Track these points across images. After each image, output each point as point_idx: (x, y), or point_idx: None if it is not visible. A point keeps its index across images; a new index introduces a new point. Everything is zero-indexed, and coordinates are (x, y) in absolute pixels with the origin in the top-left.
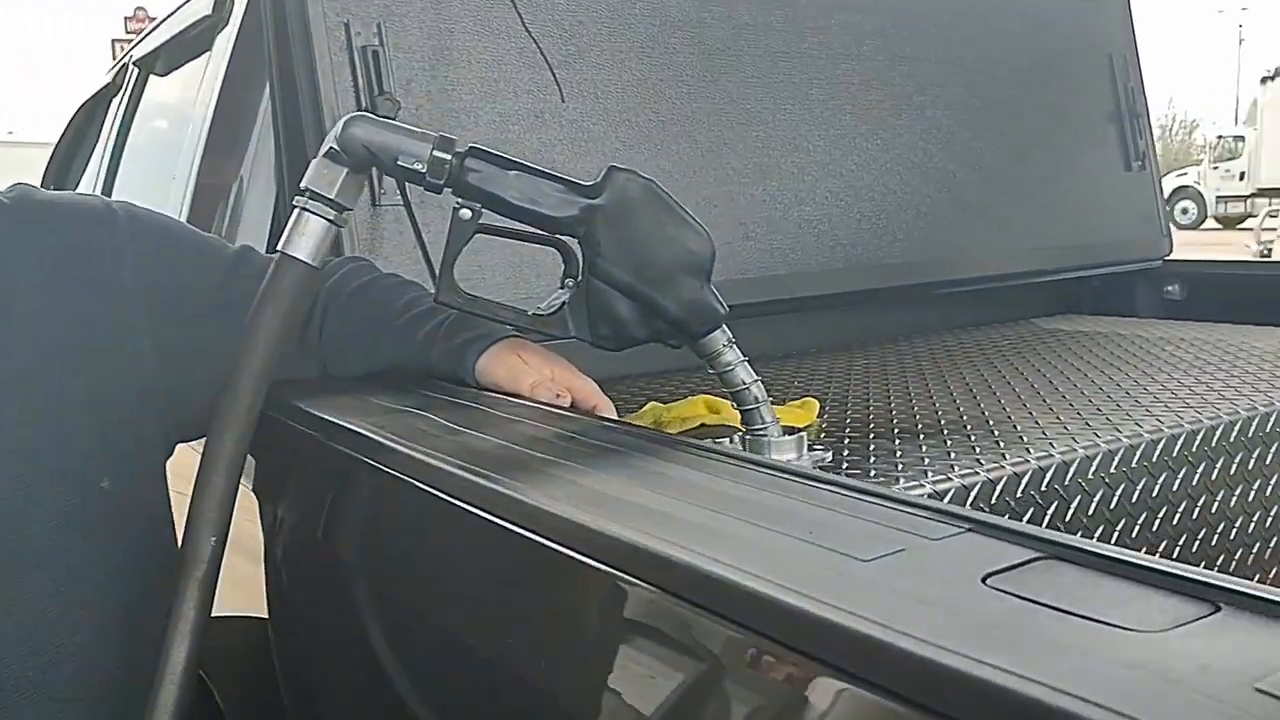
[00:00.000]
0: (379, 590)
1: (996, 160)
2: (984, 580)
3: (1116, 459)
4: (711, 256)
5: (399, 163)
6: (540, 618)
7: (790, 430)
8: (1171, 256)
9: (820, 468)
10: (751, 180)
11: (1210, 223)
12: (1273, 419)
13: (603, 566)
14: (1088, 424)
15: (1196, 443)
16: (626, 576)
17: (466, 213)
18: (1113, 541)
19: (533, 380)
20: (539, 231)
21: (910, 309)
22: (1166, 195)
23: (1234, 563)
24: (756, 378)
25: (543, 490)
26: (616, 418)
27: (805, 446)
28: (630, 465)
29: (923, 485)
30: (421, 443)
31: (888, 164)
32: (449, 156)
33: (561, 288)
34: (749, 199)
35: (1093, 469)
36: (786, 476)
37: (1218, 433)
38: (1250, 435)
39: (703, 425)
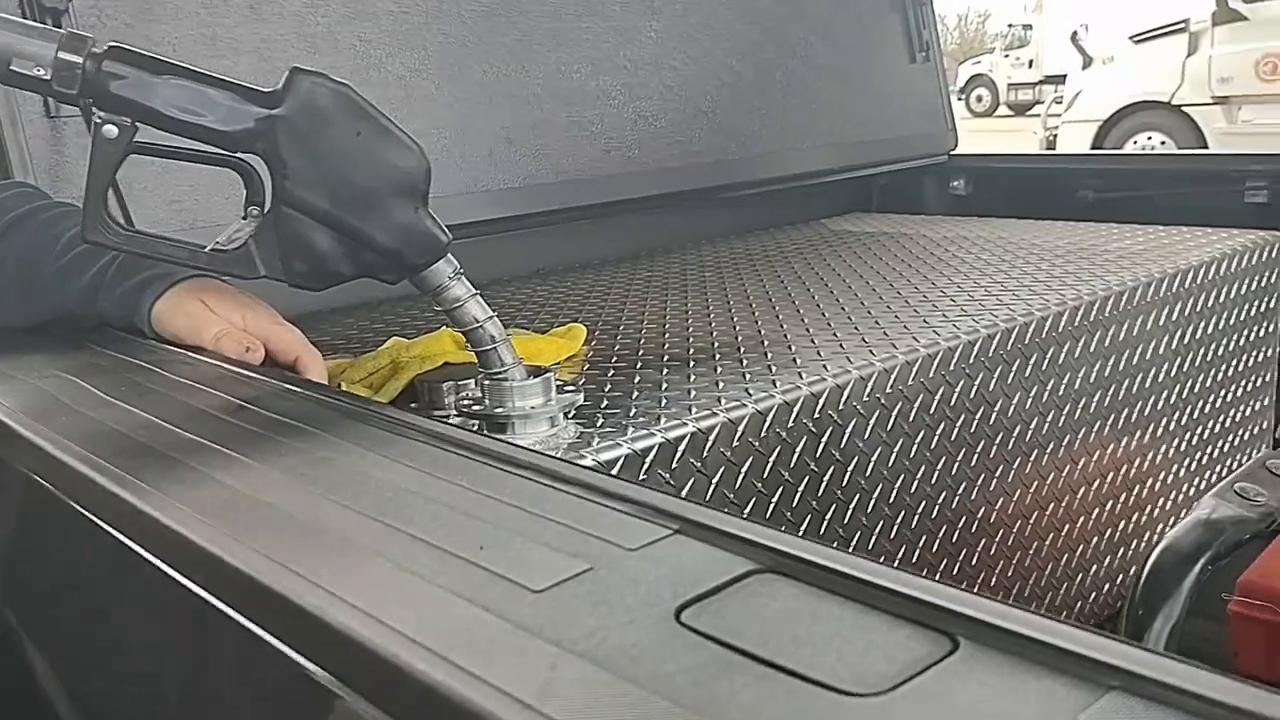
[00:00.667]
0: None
1: (778, 54)
2: (679, 615)
3: (892, 378)
4: (426, 174)
5: (13, 68)
6: (158, 660)
7: (537, 371)
8: (957, 150)
9: (568, 414)
10: (513, 79)
11: (1003, 110)
12: (1063, 319)
13: (211, 600)
14: (864, 340)
15: (974, 354)
16: (243, 620)
17: (112, 129)
18: (890, 464)
19: (217, 331)
20: (213, 150)
21: (694, 215)
22: (962, 84)
23: (1028, 467)
24: (491, 313)
25: (164, 491)
26: (317, 376)
27: (553, 389)
28: (295, 450)
29: (685, 424)
30: (47, 421)
31: (664, 59)
32: (80, 59)
33: (245, 217)
34: (509, 99)
35: (868, 390)
36: (482, 459)
37: (994, 342)
38: (1026, 342)
39: (446, 364)
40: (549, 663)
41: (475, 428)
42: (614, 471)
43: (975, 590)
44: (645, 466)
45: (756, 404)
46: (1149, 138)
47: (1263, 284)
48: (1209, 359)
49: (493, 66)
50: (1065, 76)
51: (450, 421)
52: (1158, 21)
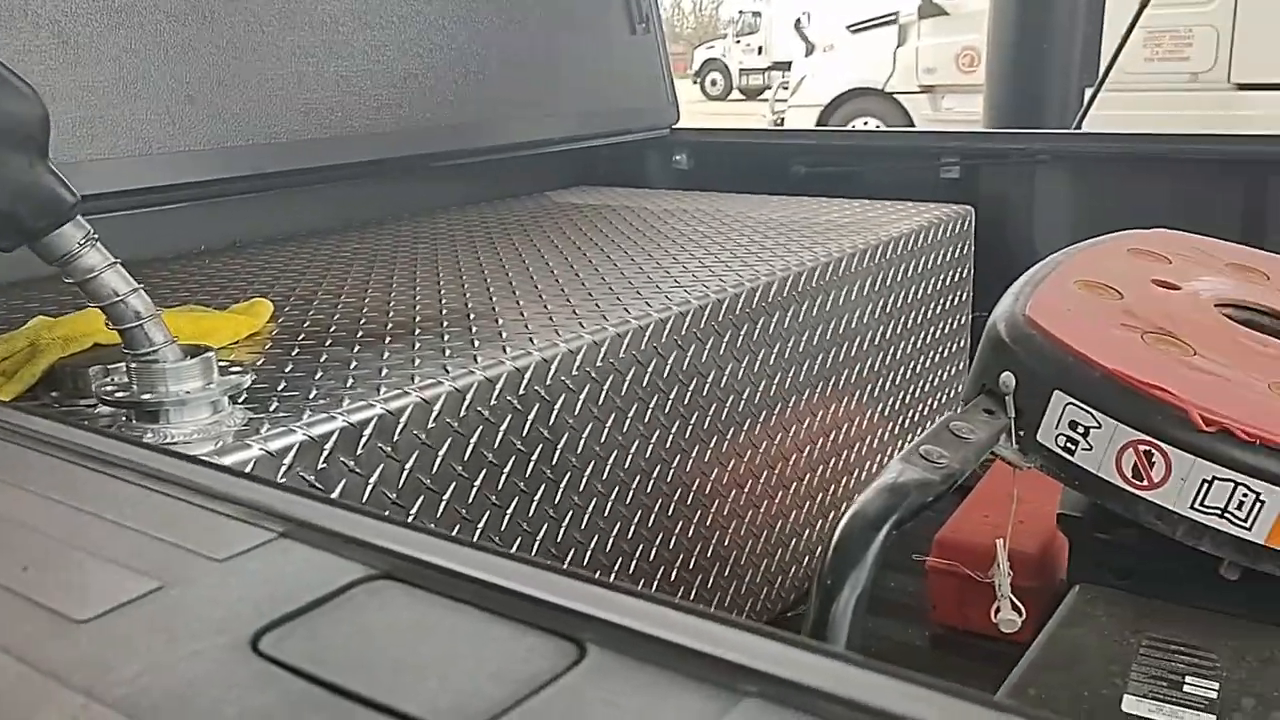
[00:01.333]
0: None
1: (494, 18)
2: (256, 642)
3: (602, 351)
4: (42, 122)
5: None
6: None
7: (195, 350)
8: (679, 125)
9: (235, 398)
10: (195, 31)
11: (736, 94)
12: (771, 289)
13: None
14: (575, 313)
15: (685, 326)
16: None
17: None
18: (603, 440)
19: None
20: None
21: (413, 186)
22: (697, 67)
23: (742, 436)
24: (135, 286)
25: None
26: None
27: (214, 371)
28: None
29: (372, 406)
30: None
31: (368, 16)
32: None
33: None
34: (190, 54)
35: (576, 364)
36: (61, 455)
37: (705, 313)
38: (737, 313)
39: (96, 346)
40: (70, 716)
41: (121, 418)
42: (288, 460)
43: (691, 563)
44: (325, 454)
45: (454, 381)
46: (865, 122)
47: (956, 254)
48: (909, 326)
49: (171, 17)
50: (791, 63)
51: (88, 411)
52: (872, 12)
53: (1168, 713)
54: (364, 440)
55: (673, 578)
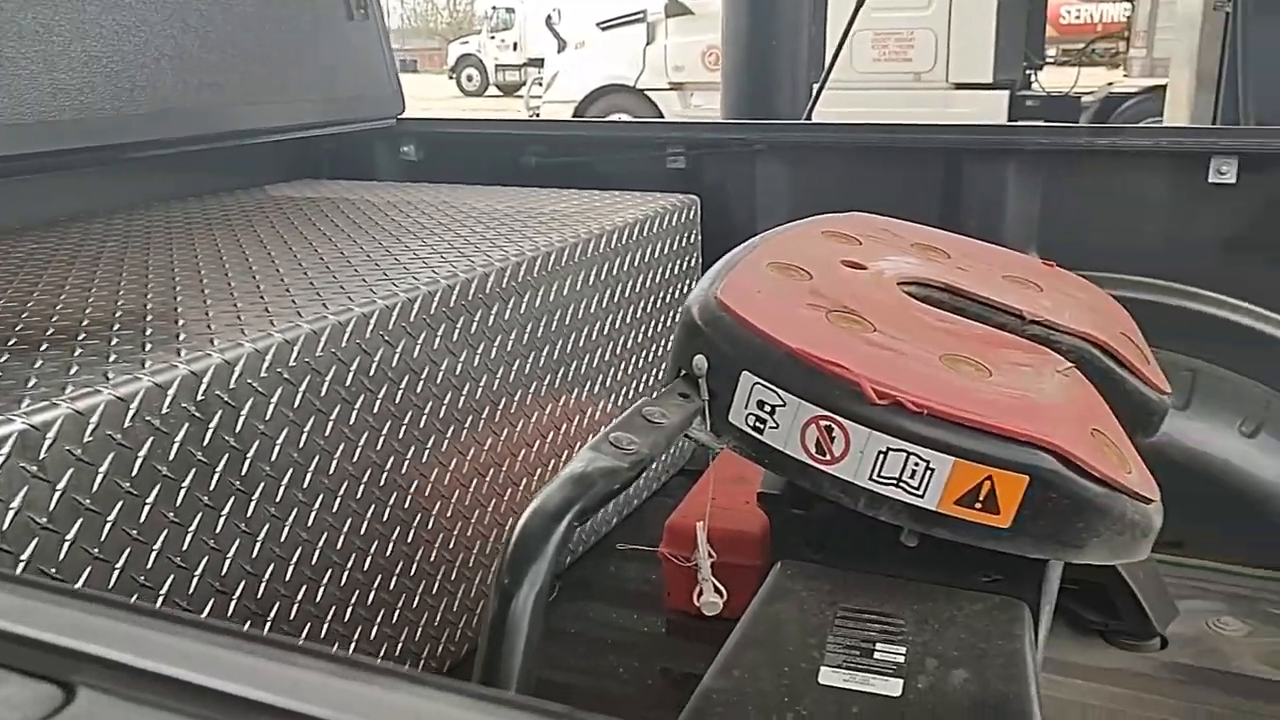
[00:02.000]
0: None
1: (196, 3)
2: None
3: (296, 350)
4: None
5: None
6: None
7: None
8: (405, 115)
9: None
10: None
11: (494, 90)
12: (489, 280)
13: None
14: (267, 310)
15: (393, 320)
16: None
17: None
18: (302, 445)
19: None
20: None
21: (103, 179)
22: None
23: (463, 434)
24: None
25: None
26: None
27: None
28: None
29: (12, 420)
30: None
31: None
32: None
33: None
34: None
35: (265, 365)
36: None
37: (416, 306)
38: (452, 305)
39: None
40: None
41: None
42: None
43: (413, 569)
44: None
45: (115, 389)
46: (618, 118)
47: (683, 243)
48: (637, 316)
49: None
50: (544, 60)
51: None
52: (622, 10)
53: (860, 680)
54: (3, 459)
55: (392, 585)
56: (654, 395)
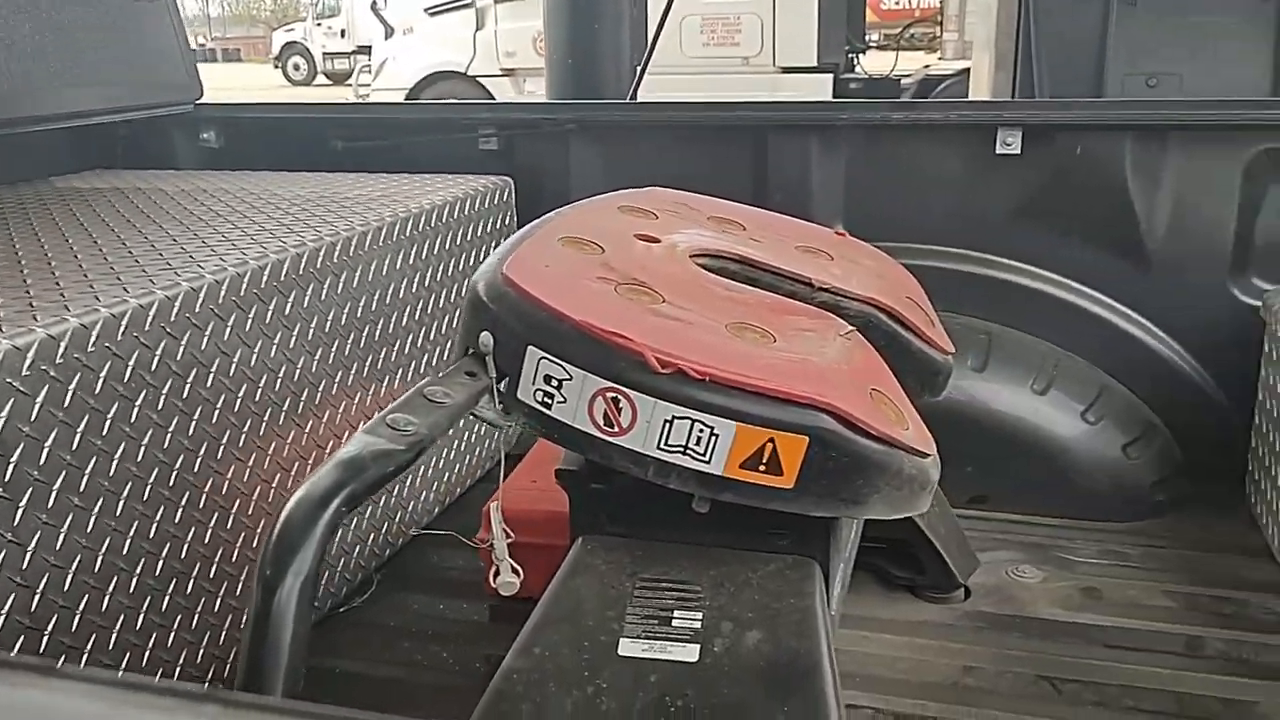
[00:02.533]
0: None
1: None
2: None
3: (63, 346)
4: None
5: None
6: None
7: None
8: (205, 100)
9: None
10: None
11: (322, 79)
12: (284, 267)
13: None
14: (32, 305)
15: (175, 311)
16: None
17: None
18: (75, 447)
19: None
20: None
21: None
22: (277, 51)
23: (263, 427)
24: None
25: None
26: None
27: None
28: None
29: None
30: None
31: None
32: None
33: None
34: None
35: (27, 364)
36: None
37: (201, 296)
38: (242, 294)
39: None
40: None
41: None
42: None
43: (212, 571)
44: None
45: None
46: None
47: (496, 226)
48: (451, 301)
49: None
50: (372, 46)
51: None
52: None
53: (658, 649)
54: None
55: (189, 589)
56: (439, 374)
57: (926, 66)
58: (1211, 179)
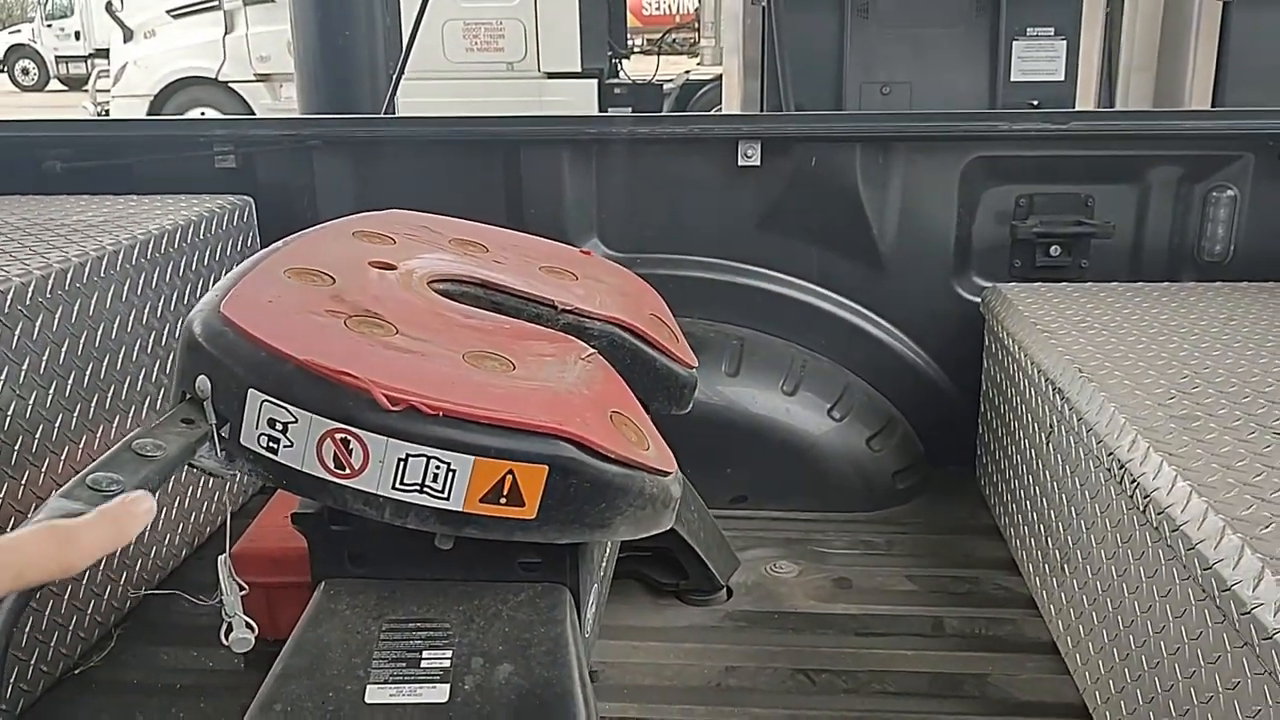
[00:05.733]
0: None
1: None
2: None
3: None
4: None
5: None
6: None
7: None
8: None
9: None
10: None
11: (57, 84)
12: None
13: None
14: None
15: None
16: None
17: None
18: None
19: None
20: None
21: None
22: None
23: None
24: None
25: None
26: None
27: None
28: None
29: None
30: None
31: None
32: None
33: None
34: None
35: None
36: None
37: None
38: None
39: None
40: None
41: None
42: None
43: None
44: None
45: None
46: (202, 112)
47: (237, 249)
48: None
49: None
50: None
51: None
52: None
53: (407, 693)
54: None
55: None
56: (150, 424)
57: (687, 72)
58: (933, 186)
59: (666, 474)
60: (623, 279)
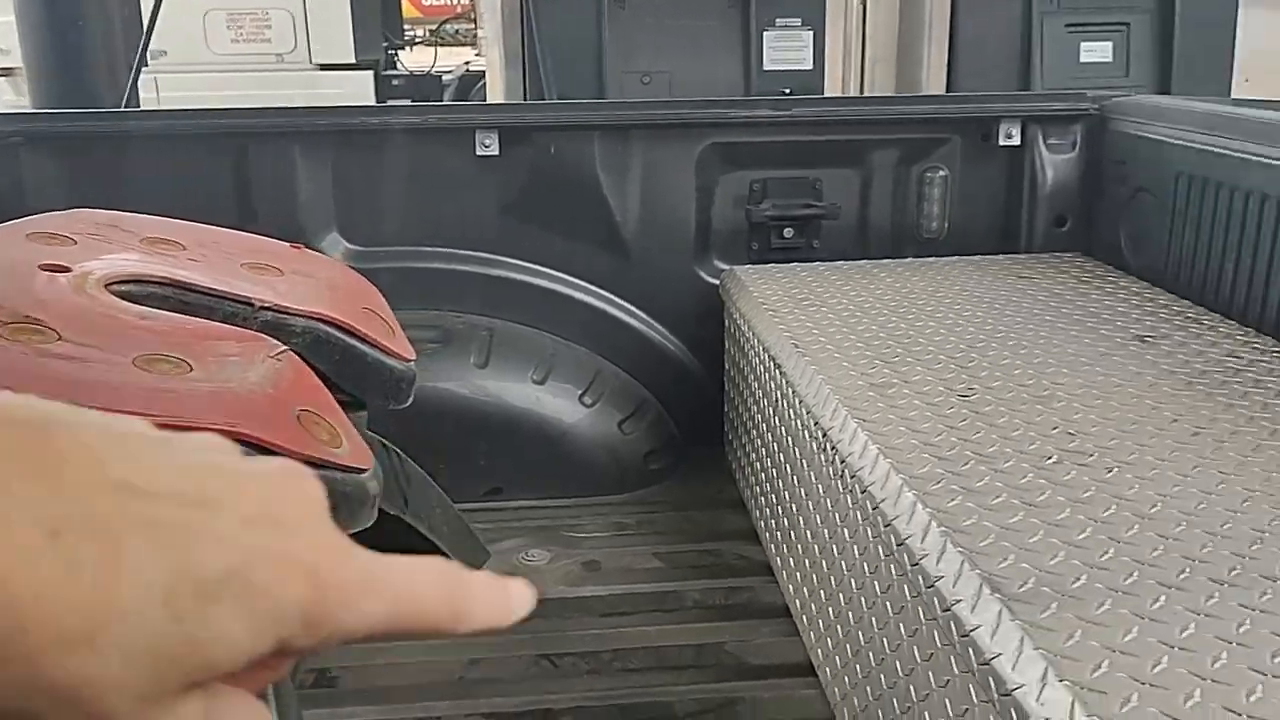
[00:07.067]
0: None
1: None
2: None
3: None
4: None
5: None
6: None
7: None
8: None
9: None
10: None
11: None
12: None
13: None
14: None
15: None
16: None
17: None
18: None
19: None
20: None
21: None
22: None
23: None
24: None
25: None
26: None
27: None
28: None
29: None
30: None
31: None
32: None
33: None
34: None
35: None
36: None
37: None
38: None
39: None
40: None
41: None
42: None
43: None
44: None
45: None
46: None
47: None
48: None
49: None
50: None
51: None
52: None
53: None
54: None
55: None
56: None
57: (467, 63)
58: (671, 172)
59: (362, 471)
60: (335, 273)
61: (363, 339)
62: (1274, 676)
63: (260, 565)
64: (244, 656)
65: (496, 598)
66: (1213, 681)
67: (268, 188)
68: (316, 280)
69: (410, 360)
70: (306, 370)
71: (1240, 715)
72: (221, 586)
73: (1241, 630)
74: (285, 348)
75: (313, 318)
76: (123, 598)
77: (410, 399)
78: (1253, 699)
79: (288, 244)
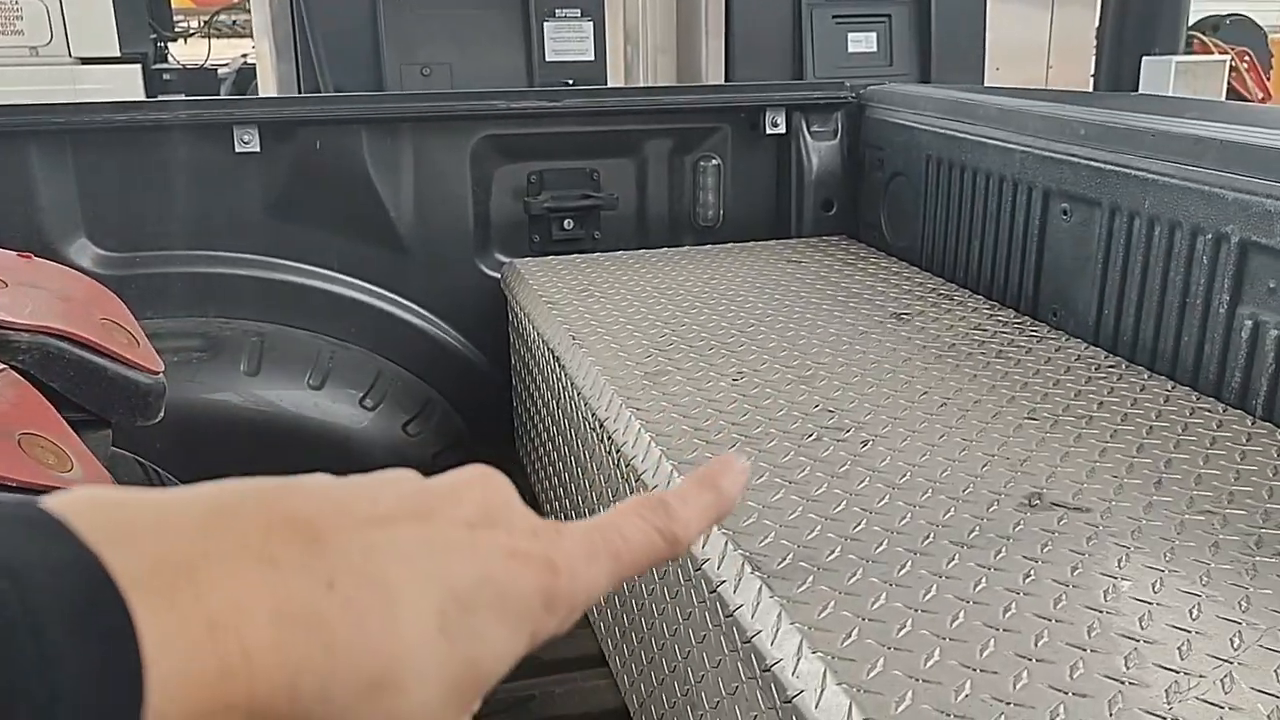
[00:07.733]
0: None
1: None
2: None
3: None
4: None
5: None
6: None
7: None
8: None
9: None
10: None
11: None
12: None
13: None
14: None
15: None
16: None
17: None
18: None
19: None
20: None
21: None
22: None
23: None
24: None
25: None
26: None
27: None
28: None
29: None
30: None
31: None
32: None
33: None
34: None
35: None
36: None
37: None
38: None
39: None
40: None
41: None
42: None
43: None
44: None
45: None
46: None
47: None
48: None
49: None
50: None
51: None
52: None
53: None
54: None
55: None
56: None
57: (244, 55)
58: (445, 166)
59: None
60: (69, 283)
61: (100, 352)
62: (1004, 631)
63: (498, 565)
64: (510, 661)
65: (704, 498)
66: (951, 640)
67: (1, 193)
68: (47, 292)
69: (158, 372)
70: (30, 390)
71: (974, 670)
72: (476, 595)
73: (978, 589)
74: (3, 367)
75: (41, 332)
76: (408, 633)
77: (161, 413)
78: (985, 654)
79: (15, 253)
